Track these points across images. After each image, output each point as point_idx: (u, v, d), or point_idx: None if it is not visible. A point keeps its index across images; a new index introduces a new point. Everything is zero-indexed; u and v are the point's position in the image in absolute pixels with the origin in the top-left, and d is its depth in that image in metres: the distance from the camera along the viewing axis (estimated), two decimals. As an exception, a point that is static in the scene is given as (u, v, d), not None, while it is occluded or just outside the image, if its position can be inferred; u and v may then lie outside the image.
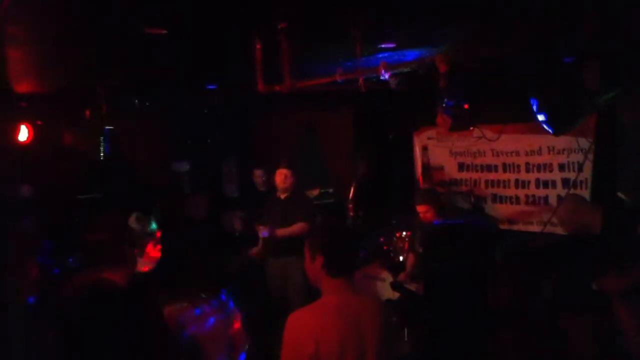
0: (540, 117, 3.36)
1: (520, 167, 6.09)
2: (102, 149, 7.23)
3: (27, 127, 5.66)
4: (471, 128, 5.22)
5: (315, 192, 7.09)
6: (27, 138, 5.69)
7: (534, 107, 3.37)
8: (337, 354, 2.23)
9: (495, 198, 6.35)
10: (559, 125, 3.39)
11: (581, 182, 5.46)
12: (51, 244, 5.71)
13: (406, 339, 5.42)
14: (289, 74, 3.72)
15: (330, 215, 2.52)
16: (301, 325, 2.30)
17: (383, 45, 4.09)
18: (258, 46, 3.65)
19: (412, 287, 5.34)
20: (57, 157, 6.27)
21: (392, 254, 5.99)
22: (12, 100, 5.41)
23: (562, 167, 5.69)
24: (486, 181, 6.43)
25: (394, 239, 5.95)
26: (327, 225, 2.57)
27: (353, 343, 2.27)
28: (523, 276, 3.78)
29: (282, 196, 5.98)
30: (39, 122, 5.81)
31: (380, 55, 4.34)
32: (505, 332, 3.51)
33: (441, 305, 4.25)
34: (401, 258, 5.83)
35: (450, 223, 4.89)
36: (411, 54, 4.43)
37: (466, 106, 3.92)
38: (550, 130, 3.48)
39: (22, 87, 5.29)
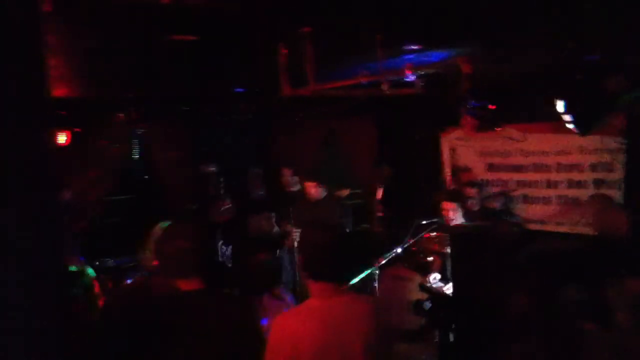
0: (567, 118, 3.32)
1: (551, 167, 5.99)
2: (134, 151, 7.43)
3: (64, 131, 5.87)
4: (496, 129, 5.16)
5: (345, 193, 7.12)
6: (65, 141, 5.90)
7: (560, 108, 3.33)
8: (317, 358, 2.18)
9: (526, 199, 6.27)
10: (585, 125, 3.35)
11: (613, 182, 5.36)
12: (85, 244, 5.89)
13: (436, 340, 5.41)
14: (312, 78, 3.76)
15: (321, 222, 2.44)
16: (282, 330, 2.27)
17: (407, 47, 4.09)
18: (283, 50, 3.70)
19: (440, 288, 5.32)
20: (91, 159, 6.44)
21: (420, 255, 5.96)
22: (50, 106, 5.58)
23: (593, 167, 5.58)
24: (516, 182, 6.36)
25: (422, 239, 5.92)
26: (311, 230, 2.44)
27: (335, 348, 2.20)
28: (544, 282, 3.72)
29: (313, 200, 6.11)
30: (77, 130, 5.98)
31: (405, 57, 4.35)
32: (524, 339, 3.46)
33: (466, 308, 4.22)
34: (429, 259, 5.81)
35: (476, 225, 4.85)
36: (436, 55, 4.42)
37: (491, 107, 3.90)
38: (576, 131, 3.44)
39: (58, 93, 5.47)
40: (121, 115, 6.15)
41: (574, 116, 3.26)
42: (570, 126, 3.36)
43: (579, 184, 5.73)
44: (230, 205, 6.52)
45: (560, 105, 3.30)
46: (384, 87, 3.95)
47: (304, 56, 3.62)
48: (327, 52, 3.82)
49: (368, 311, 2.34)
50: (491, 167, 6.57)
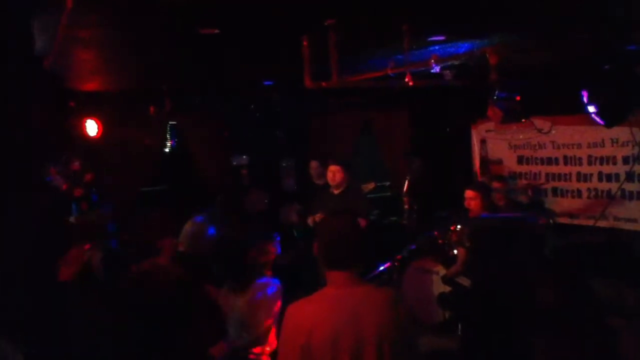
0: (591, 109, 3.28)
1: (582, 160, 5.91)
2: (168, 143, 7.59)
3: (96, 123, 6.03)
4: (523, 120, 5.09)
5: (371, 186, 7.11)
6: (97, 133, 6.07)
7: (584, 99, 3.28)
8: (329, 346, 2.18)
9: (556, 191, 6.20)
10: (610, 117, 3.29)
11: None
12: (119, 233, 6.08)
13: (460, 333, 5.40)
14: (336, 70, 3.79)
15: (341, 211, 2.46)
16: (296, 316, 2.28)
17: (433, 38, 4.09)
18: (305, 42, 3.73)
19: (463, 281, 5.30)
20: (125, 151, 6.60)
21: (446, 248, 5.95)
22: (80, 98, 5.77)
23: (626, 160, 5.48)
24: (546, 174, 6.29)
25: (449, 232, 5.90)
26: (327, 218, 2.43)
27: (348, 336, 2.18)
28: (570, 275, 3.67)
29: (336, 191, 6.02)
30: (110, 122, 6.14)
31: (432, 48, 4.34)
32: (549, 333, 3.43)
33: (487, 301, 4.20)
34: (455, 252, 5.79)
35: (498, 218, 4.81)
36: (463, 46, 4.40)
37: (518, 98, 3.86)
38: (601, 122, 3.39)
39: (92, 85, 5.64)
40: (152, 107, 6.27)
41: (598, 107, 3.21)
42: (595, 118, 3.31)
43: (611, 177, 5.64)
44: (263, 196, 6.60)
45: (584, 97, 3.26)
46: (408, 79, 3.94)
47: (327, 49, 3.65)
48: (352, 44, 3.85)
49: (385, 301, 2.29)
50: (521, 160, 6.51)
